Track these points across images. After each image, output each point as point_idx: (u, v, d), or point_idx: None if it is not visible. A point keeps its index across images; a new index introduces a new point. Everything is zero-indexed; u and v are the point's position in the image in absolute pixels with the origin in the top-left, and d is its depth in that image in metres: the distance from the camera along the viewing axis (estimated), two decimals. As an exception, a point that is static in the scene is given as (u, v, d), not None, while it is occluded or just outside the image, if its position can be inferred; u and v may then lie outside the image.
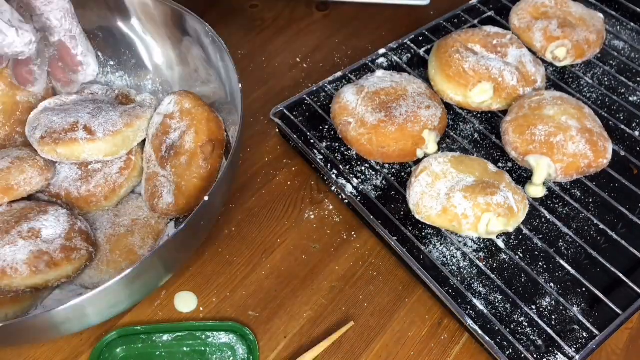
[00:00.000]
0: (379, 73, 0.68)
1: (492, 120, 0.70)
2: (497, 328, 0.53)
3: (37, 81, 0.58)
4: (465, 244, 0.60)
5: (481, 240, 0.60)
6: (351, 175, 0.63)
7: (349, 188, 0.62)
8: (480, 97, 0.67)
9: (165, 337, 0.53)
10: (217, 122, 0.58)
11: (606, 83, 0.74)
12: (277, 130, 0.70)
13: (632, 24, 0.79)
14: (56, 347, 0.54)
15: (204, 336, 0.54)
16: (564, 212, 0.62)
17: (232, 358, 0.53)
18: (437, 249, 0.59)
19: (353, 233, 0.62)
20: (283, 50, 0.81)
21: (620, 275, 0.56)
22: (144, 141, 0.61)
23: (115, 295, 0.46)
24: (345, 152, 0.67)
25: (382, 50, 0.74)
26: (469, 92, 0.67)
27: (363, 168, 0.65)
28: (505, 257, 0.59)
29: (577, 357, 0.51)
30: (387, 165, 0.65)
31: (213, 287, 0.58)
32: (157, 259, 0.47)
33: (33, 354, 0.54)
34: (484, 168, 0.60)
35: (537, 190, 0.62)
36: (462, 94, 0.68)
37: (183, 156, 0.56)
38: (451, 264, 0.58)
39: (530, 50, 0.72)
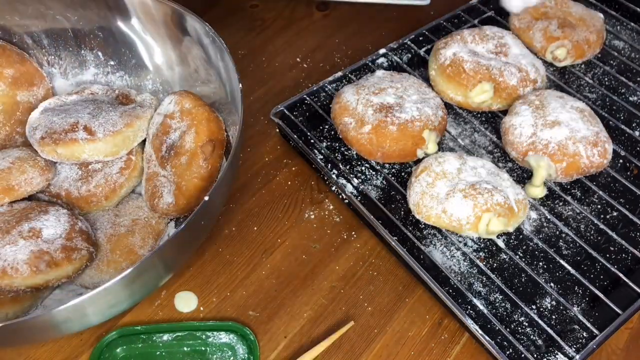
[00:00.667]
0: (379, 73, 0.68)
1: (492, 120, 0.70)
2: (497, 328, 0.53)
3: None
4: (465, 244, 0.60)
5: (481, 240, 0.60)
6: (351, 175, 0.63)
7: (349, 188, 0.62)
8: (480, 97, 0.67)
9: (165, 337, 0.53)
10: (217, 122, 0.58)
11: (606, 83, 0.74)
12: (277, 130, 0.70)
13: (632, 24, 0.79)
14: (56, 347, 0.54)
15: (204, 336, 0.54)
16: (564, 212, 0.62)
17: (232, 358, 0.53)
18: (437, 248, 0.59)
19: (353, 233, 0.62)
20: (283, 50, 0.81)
21: (620, 275, 0.56)
22: (144, 141, 0.61)
23: (115, 295, 0.46)
24: (345, 152, 0.67)
25: (382, 50, 0.74)
26: (469, 92, 0.67)
27: (363, 168, 0.65)
28: (505, 257, 0.59)
29: (577, 357, 0.51)
30: (387, 165, 0.65)
31: (213, 287, 0.58)
32: (157, 259, 0.47)
33: (33, 354, 0.54)
34: (483, 168, 0.60)
35: (537, 190, 0.62)
36: (462, 94, 0.68)
37: (183, 156, 0.56)
38: (451, 263, 0.58)
39: (530, 50, 0.72)
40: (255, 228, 0.62)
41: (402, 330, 0.55)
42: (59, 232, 0.52)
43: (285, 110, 0.68)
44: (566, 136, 0.60)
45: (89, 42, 0.66)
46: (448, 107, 0.69)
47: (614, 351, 0.55)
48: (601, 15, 0.76)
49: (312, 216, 0.63)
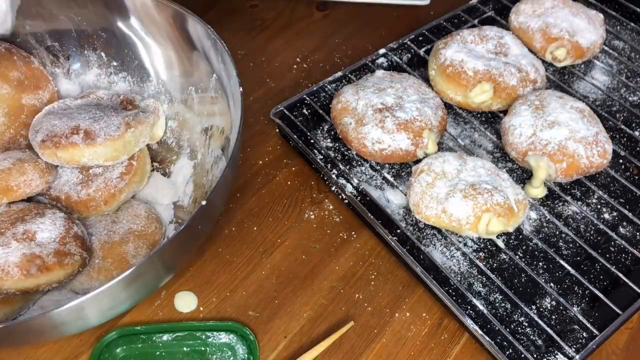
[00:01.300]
0: (379, 73, 0.68)
1: (492, 120, 0.70)
2: (497, 328, 0.53)
3: None
4: (465, 244, 0.60)
5: (481, 240, 0.60)
6: (351, 175, 0.63)
7: (349, 188, 0.62)
8: (480, 97, 0.67)
9: (165, 337, 0.53)
10: None
11: (606, 83, 0.74)
12: (277, 130, 0.70)
13: (632, 24, 0.79)
14: (56, 347, 0.54)
15: (204, 336, 0.54)
16: (564, 212, 0.62)
17: (232, 358, 0.53)
18: (437, 249, 0.59)
19: (353, 233, 0.62)
20: (283, 50, 0.81)
21: (620, 275, 0.56)
22: (147, 146, 0.61)
23: (115, 297, 0.46)
24: (345, 152, 0.67)
25: (382, 50, 0.74)
26: (469, 92, 0.67)
27: (363, 168, 0.65)
28: (505, 257, 0.59)
29: (577, 357, 0.51)
30: (387, 165, 0.65)
31: (213, 287, 0.58)
32: (157, 260, 0.47)
33: (33, 354, 0.54)
34: (483, 168, 0.60)
35: (537, 190, 0.62)
36: (462, 94, 0.68)
37: None
38: (451, 263, 0.58)
39: (530, 50, 0.72)
40: (255, 228, 0.62)
41: (402, 330, 0.55)
42: (54, 236, 0.52)
43: (285, 110, 0.68)
44: (566, 136, 0.60)
45: (92, 43, 0.66)
46: (448, 107, 0.69)
47: (613, 351, 0.55)
48: (601, 15, 0.76)
49: (312, 216, 0.63)
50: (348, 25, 0.84)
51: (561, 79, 0.74)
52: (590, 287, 0.55)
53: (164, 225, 0.60)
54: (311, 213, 0.64)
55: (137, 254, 0.56)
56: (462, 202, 0.56)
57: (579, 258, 0.58)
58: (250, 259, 0.60)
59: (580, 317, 0.53)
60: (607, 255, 0.58)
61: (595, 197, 0.63)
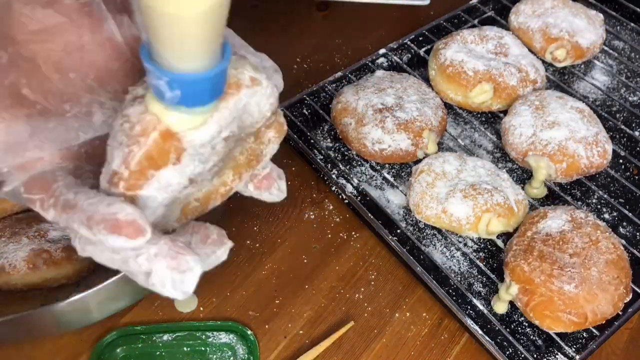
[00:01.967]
0: (379, 73, 0.68)
1: (492, 120, 0.70)
2: (497, 328, 0.53)
3: None
4: (465, 244, 0.60)
5: (481, 240, 0.60)
6: (351, 175, 0.63)
7: (349, 188, 0.62)
8: (480, 97, 0.67)
9: (165, 337, 0.53)
10: None
11: (606, 83, 0.74)
12: (277, 130, 0.70)
13: (632, 24, 0.80)
14: (57, 347, 0.54)
15: (204, 336, 0.54)
16: (564, 212, 0.62)
17: (232, 358, 0.53)
18: (437, 249, 0.59)
19: (353, 233, 0.62)
20: (283, 50, 0.81)
21: (620, 275, 0.56)
22: None
23: (119, 289, 0.46)
24: (345, 152, 0.67)
25: (382, 50, 0.74)
26: (469, 93, 0.67)
27: (363, 168, 0.65)
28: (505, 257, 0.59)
29: (577, 357, 0.51)
30: (387, 165, 0.65)
31: (213, 287, 0.58)
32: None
33: (34, 354, 0.53)
34: (483, 168, 0.60)
35: (537, 190, 0.62)
36: (462, 94, 0.68)
37: None
38: (451, 263, 0.58)
39: (530, 50, 0.72)
40: (255, 228, 0.62)
41: (402, 330, 0.55)
42: (65, 234, 0.52)
43: (285, 110, 0.68)
44: (566, 137, 0.60)
45: None
46: (448, 107, 0.69)
47: (613, 351, 0.55)
48: (601, 15, 0.76)
49: (312, 216, 0.63)
50: (348, 25, 0.84)
51: (561, 79, 0.74)
52: (590, 287, 0.55)
53: None
54: (311, 213, 0.64)
55: None
56: (462, 202, 0.56)
57: (579, 258, 0.58)
58: (250, 259, 0.60)
59: (580, 317, 0.53)
60: (607, 255, 0.58)
61: (595, 197, 0.63)
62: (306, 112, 0.69)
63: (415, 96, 0.65)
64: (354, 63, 0.74)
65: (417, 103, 0.64)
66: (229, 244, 0.34)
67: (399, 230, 0.59)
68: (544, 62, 0.73)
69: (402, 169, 0.65)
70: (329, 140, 0.68)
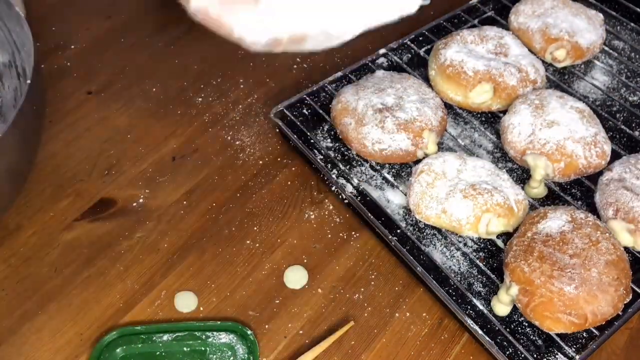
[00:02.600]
0: (379, 73, 0.68)
1: (492, 120, 0.70)
2: (497, 328, 0.53)
3: None
4: (465, 244, 0.60)
5: (481, 240, 0.60)
6: (351, 175, 0.63)
7: (349, 188, 0.62)
8: (480, 97, 0.67)
9: (165, 337, 0.53)
10: None
11: (606, 83, 0.74)
12: (277, 130, 0.70)
13: (632, 24, 0.80)
14: (56, 347, 0.54)
15: (204, 336, 0.54)
16: (564, 212, 0.62)
17: (232, 358, 0.53)
18: (437, 248, 0.59)
19: (353, 233, 0.62)
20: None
21: (620, 275, 0.56)
22: None
23: None
24: (345, 152, 0.67)
25: (382, 50, 0.74)
26: (468, 93, 0.67)
27: (363, 168, 0.65)
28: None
29: (577, 357, 0.51)
30: (387, 165, 0.65)
31: (213, 287, 0.58)
32: None
33: (33, 354, 0.54)
34: (483, 168, 0.60)
35: (537, 190, 0.62)
36: (462, 94, 0.68)
37: None
38: (451, 263, 0.58)
39: (530, 50, 0.72)
40: (255, 228, 0.62)
41: (402, 330, 0.56)
42: None
43: (285, 110, 0.68)
44: (564, 136, 0.60)
45: None
46: (448, 107, 0.69)
47: (613, 351, 0.55)
48: (601, 15, 0.76)
49: (312, 216, 0.63)
50: (348, 25, 0.84)
51: (561, 79, 0.74)
52: (590, 287, 0.55)
53: None
54: (311, 213, 0.64)
55: None
56: (462, 202, 0.56)
57: (579, 258, 0.58)
58: (250, 259, 0.60)
59: (580, 317, 0.53)
60: (607, 256, 0.58)
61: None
62: (306, 112, 0.69)
63: (415, 96, 0.65)
64: (354, 63, 0.74)
65: (417, 103, 0.64)
66: None
67: (399, 230, 0.59)
68: (544, 62, 0.73)
69: (402, 169, 0.65)
70: (329, 140, 0.68)
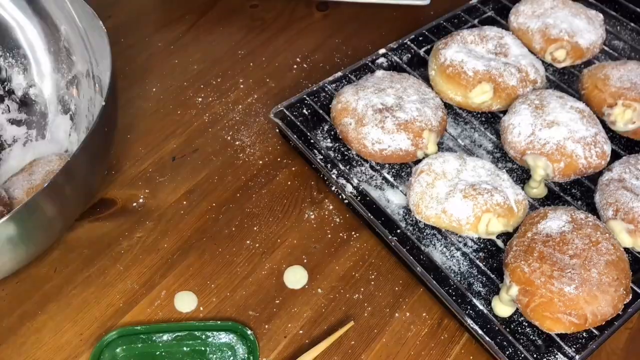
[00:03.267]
0: (379, 73, 0.68)
1: (492, 120, 0.70)
2: (497, 328, 0.53)
3: None
4: (465, 244, 0.60)
5: (481, 240, 0.60)
6: (351, 175, 0.63)
7: (349, 188, 0.62)
8: (480, 97, 0.67)
9: (165, 337, 0.53)
10: None
11: (606, 83, 0.74)
12: (277, 130, 0.70)
13: (632, 24, 0.80)
14: (56, 347, 0.54)
15: (204, 336, 0.54)
16: (564, 212, 0.62)
17: (232, 358, 0.53)
18: (437, 248, 0.59)
19: (353, 233, 0.62)
20: (283, 50, 0.81)
21: (620, 275, 0.56)
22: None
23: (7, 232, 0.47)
24: (345, 152, 0.67)
25: (382, 50, 0.74)
26: (468, 93, 0.67)
27: (363, 168, 0.65)
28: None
29: (577, 357, 0.51)
30: (387, 165, 0.65)
31: (213, 287, 0.58)
32: (45, 197, 0.49)
33: (33, 354, 0.54)
34: (483, 168, 0.60)
35: (537, 190, 0.62)
36: (462, 95, 0.68)
37: None
38: (451, 263, 0.58)
39: (530, 51, 0.72)
40: (255, 228, 0.62)
41: (402, 330, 0.56)
42: None
43: (285, 110, 0.68)
44: (564, 136, 0.60)
45: None
46: (448, 107, 0.69)
47: (613, 351, 0.55)
48: (601, 15, 0.76)
49: (312, 216, 0.63)
50: (348, 25, 0.84)
51: (561, 79, 0.74)
52: (590, 287, 0.55)
53: None
54: (311, 213, 0.64)
55: None
56: (462, 202, 0.56)
57: (578, 258, 0.58)
58: (250, 259, 0.60)
59: (580, 317, 0.53)
60: (607, 256, 0.58)
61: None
62: (306, 112, 0.69)
63: (415, 96, 0.65)
64: (353, 63, 0.74)
65: (417, 103, 0.64)
66: None
67: (398, 230, 0.59)
68: (544, 62, 0.73)
69: (402, 169, 0.65)
70: (329, 140, 0.68)
